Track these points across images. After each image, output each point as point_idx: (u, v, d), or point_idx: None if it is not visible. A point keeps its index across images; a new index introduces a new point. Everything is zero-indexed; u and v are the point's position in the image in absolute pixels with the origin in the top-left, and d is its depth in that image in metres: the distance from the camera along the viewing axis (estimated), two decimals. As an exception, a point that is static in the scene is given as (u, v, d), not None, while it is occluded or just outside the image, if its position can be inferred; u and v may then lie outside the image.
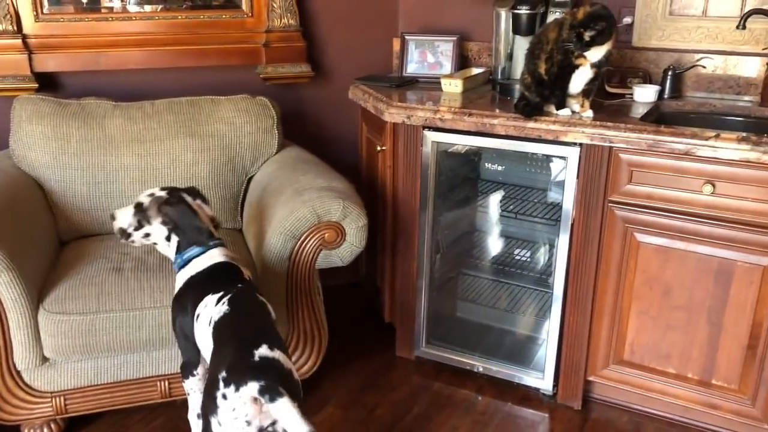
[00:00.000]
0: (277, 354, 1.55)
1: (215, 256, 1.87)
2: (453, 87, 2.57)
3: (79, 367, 2.10)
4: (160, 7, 2.67)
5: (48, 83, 2.58)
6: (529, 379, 2.47)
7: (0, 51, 2.47)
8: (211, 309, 1.72)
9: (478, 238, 2.92)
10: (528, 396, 2.47)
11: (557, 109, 2.20)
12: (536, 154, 2.37)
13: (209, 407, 1.49)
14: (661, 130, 2.04)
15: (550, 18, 2.43)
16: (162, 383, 2.18)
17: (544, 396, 2.46)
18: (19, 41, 2.49)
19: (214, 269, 1.85)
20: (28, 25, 2.51)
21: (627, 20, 2.55)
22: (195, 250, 1.88)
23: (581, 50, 2.04)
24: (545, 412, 2.41)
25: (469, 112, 2.28)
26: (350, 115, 2.97)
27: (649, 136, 2.04)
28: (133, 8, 2.65)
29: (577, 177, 2.19)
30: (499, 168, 2.79)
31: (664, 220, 2.10)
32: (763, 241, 1.99)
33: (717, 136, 1.96)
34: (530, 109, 2.21)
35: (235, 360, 1.52)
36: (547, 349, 2.41)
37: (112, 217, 1.95)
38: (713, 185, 2.00)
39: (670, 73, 2.46)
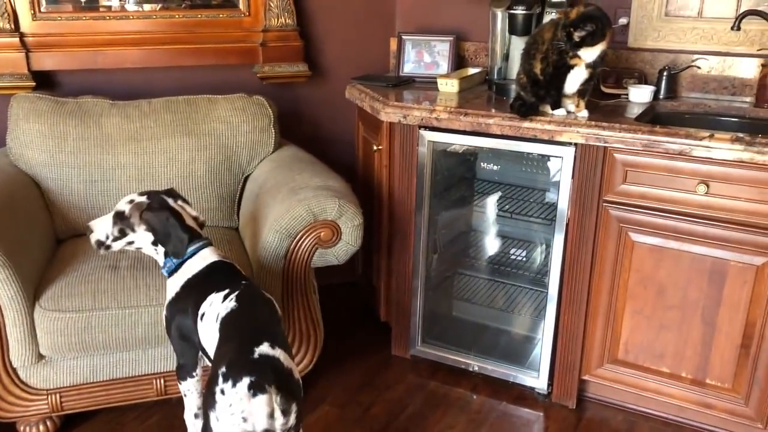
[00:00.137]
0: (277, 352, 1.56)
1: (208, 256, 1.87)
2: (449, 87, 2.57)
3: (75, 364, 2.10)
4: (159, 6, 2.68)
5: (45, 82, 2.59)
6: (524, 378, 2.48)
7: (-3, 49, 2.48)
8: (217, 306, 1.73)
9: (474, 238, 2.93)
10: (523, 395, 2.48)
11: (553, 109, 2.21)
12: (532, 154, 2.38)
13: (209, 402, 1.50)
14: (656, 130, 2.05)
15: (546, 18, 2.44)
16: (157, 381, 2.19)
17: (539, 395, 2.47)
18: (16, 40, 2.49)
19: (212, 269, 1.86)
20: (26, 23, 2.52)
21: (623, 21, 2.56)
22: (187, 251, 1.86)
23: (572, 50, 2.05)
24: (540, 411, 2.41)
25: (465, 111, 2.29)
26: (347, 114, 2.98)
27: (644, 137, 2.05)
28: (131, 7, 2.66)
29: (572, 177, 2.19)
30: (495, 168, 2.80)
31: (658, 219, 2.11)
32: (757, 241, 2.00)
33: (711, 137, 1.97)
34: (526, 109, 2.22)
35: (235, 356, 1.53)
36: (542, 349, 2.41)
37: (89, 230, 1.91)
38: (707, 185, 2.01)
39: (665, 73, 2.47)
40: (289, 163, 2.50)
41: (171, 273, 1.88)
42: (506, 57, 2.63)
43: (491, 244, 2.90)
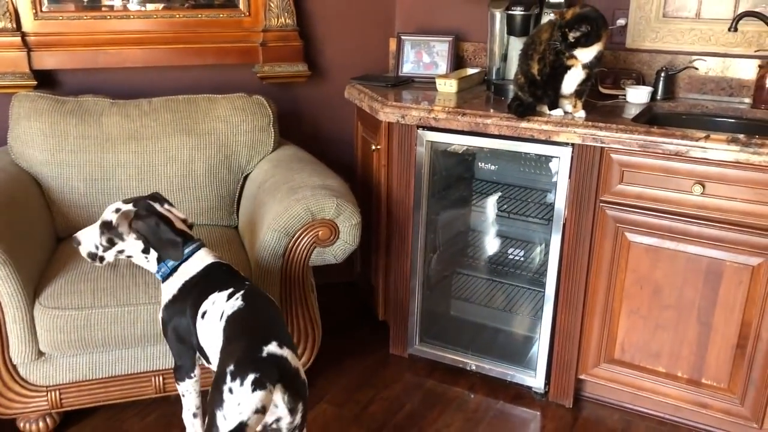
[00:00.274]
0: (285, 352, 1.57)
1: (204, 257, 1.87)
2: (448, 87, 2.59)
3: (75, 361, 2.12)
4: (161, 5, 2.70)
5: (47, 81, 2.60)
6: (521, 377, 2.49)
7: (-1, 48, 2.49)
8: (221, 305, 1.73)
9: (473, 238, 2.94)
10: (520, 394, 2.49)
11: (550, 110, 2.22)
12: (530, 154, 2.39)
13: (216, 401, 1.50)
14: (652, 130, 2.06)
15: (545, 19, 2.45)
16: (156, 378, 2.20)
17: (535, 394, 2.48)
18: (18, 39, 2.51)
19: (211, 270, 1.86)
20: (28, 22, 2.54)
21: (621, 22, 2.57)
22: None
23: (566, 50, 2.06)
24: (537, 410, 2.42)
25: (463, 111, 2.30)
26: (346, 114, 3.00)
27: (640, 137, 2.06)
28: (133, 6, 2.68)
29: (569, 177, 2.21)
30: (493, 168, 2.81)
31: (654, 220, 2.12)
32: (752, 242, 2.01)
33: (707, 137, 1.98)
34: (523, 109, 2.23)
35: (243, 355, 1.54)
36: (539, 348, 2.43)
37: (76, 242, 1.89)
38: (703, 186, 2.02)
39: (662, 74, 2.48)
40: (288, 163, 2.51)
41: (166, 277, 1.87)
42: (505, 57, 2.64)
43: (489, 244, 2.91)
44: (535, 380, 2.45)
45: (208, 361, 1.84)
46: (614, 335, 2.29)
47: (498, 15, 2.59)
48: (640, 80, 2.55)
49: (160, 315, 1.90)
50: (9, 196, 2.19)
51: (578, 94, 2.20)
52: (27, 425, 2.17)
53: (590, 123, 2.13)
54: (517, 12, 2.46)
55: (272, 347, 1.56)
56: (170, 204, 1.94)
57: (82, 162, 2.40)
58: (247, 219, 2.43)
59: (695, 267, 2.11)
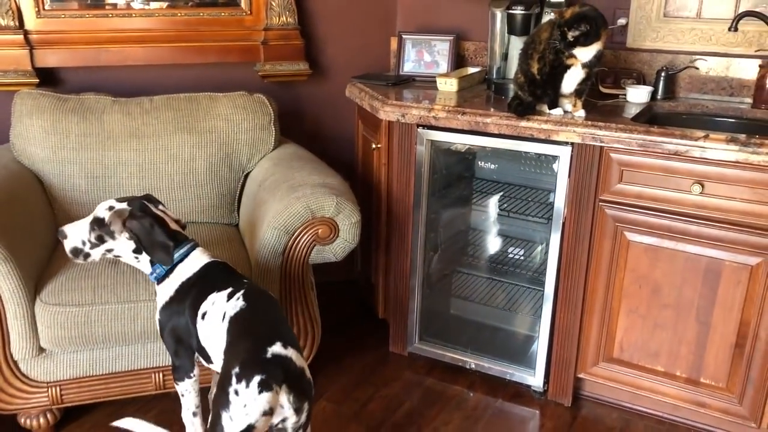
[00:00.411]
0: (290, 352, 1.57)
1: (200, 257, 1.86)
2: (448, 86, 2.59)
3: (75, 358, 2.13)
4: (165, 4, 2.71)
5: (49, 78, 2.62)
6: (521, 375, 2.49)
7: (2, 46, 2.50)
8: (222, 305, 1.73)
9: (473, 236, 2.95)
10: (519, 392, 2.50)
11: (550, 109, 2.23)
12: (530, 153, 2.40)
13: (222, 402, 1.50)
14: (651, 130, 2.06)
15: (545, 18, 2.45)
16: (156, 375, 2.21)
17: (534, 393, 2.48)
18: (20, 37, 2.52)
19: (208, 270, 1.85)
20: (30, 21, 2.55)
21: (621, 21, 2.57)
22: (176, 255, 1.84)
23: (565, 49, 2.07)
24: (536, 409, 2.43)
25: (463, 110, 2.31)
26: (347, 113, 3.00)
27: (640, 136, 2.06)
28: (137, 5, 2.68)
29: (569, 176, 2.21)
30: (493, 167, 2.81)
31: (653, 219, 2.13)
32: (751, 241, 2.01)
33: (706, 137, 1.98)
34: (523, 109, 2.23)
35: (248, 356, 1.54)
36: (538, 347, 2.43)
37: (62, 235, 1.85)
38: (702, 185, 2.03)
39: (663, 74, 2.48)
40: (289, 161, 2.52)
41: (161, 279, 1.86)
42: (505, 57, 2.64)
43: (490, 243, 2.91)
44: (534, 379, 2.46)
45: (208, 361, 1.84)
46: (613, 334, 2.30)
47: (499, 14, 2.59)
48: (641, 80, 2.55)
49: (156, 316, 1.89)
50: (11, 193, 2.20)
51: (578, 93, 2.20)
52: (28, 421, 2.18)
53: (590, 122, 2.14)
54: (518, 11, 2.46)
55: (277, 348, 1.56)
56: (163, 206, 1.93)
57: (84, 159, 2.42)
58: (248, 217, 2.44)
59: (694, 266, 2.11)
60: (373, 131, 2.63)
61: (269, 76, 2.85)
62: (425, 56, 2.88)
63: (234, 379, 1.50)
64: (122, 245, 1.84)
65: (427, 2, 2.98)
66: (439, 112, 2.34)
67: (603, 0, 2.47)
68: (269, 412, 1.49)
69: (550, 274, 2.33)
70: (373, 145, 2.60)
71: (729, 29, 2.31)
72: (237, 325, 1.68)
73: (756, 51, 2.40)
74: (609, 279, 2.25)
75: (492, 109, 2.31)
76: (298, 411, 1.54)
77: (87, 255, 1.84)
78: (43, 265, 2.19)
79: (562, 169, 2.22)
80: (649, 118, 2.34)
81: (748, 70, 2.43)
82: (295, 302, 2.26)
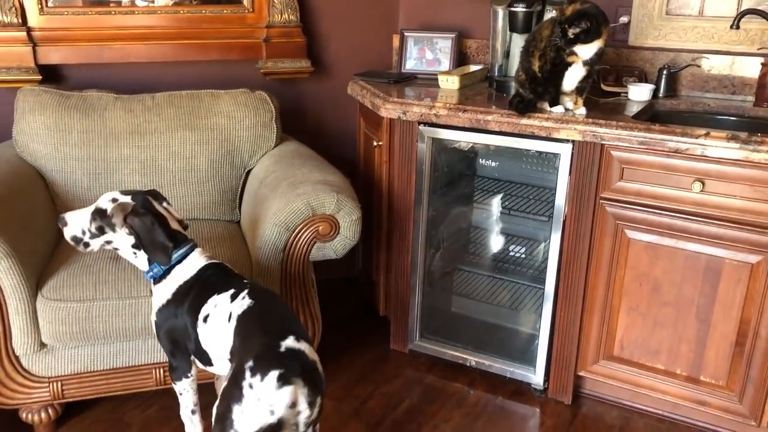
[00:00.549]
0: (303, 346, 1.57)
1: (197, 259, 1.84)
2: (450, 83, 2.59)
3: (76, 353, 2.14)
4: (171, 1, 2.71)
5: (52, 75, 2.63)
6: (521, 373, 2.50)
7: (5, 43, 2.51)
8: (226, 306, 1.72)
9: (474, 234, 2.95)
10: (519, 390, 2.50)
11: (551, 106, 2.23)
12: (531, 150, 2.40)
13: (234, 396, 1.50)
14: (652, 128, 2.06)
15: (547, 16, 2.45)
16: (157, 371, 2.22)
17: (535, 390, 2.48)
18: (23, 34, 2.53)
19: (206, 271, 1.83)
20: (33, 18, 2.56)
21: (624, 19, 2.57)
22: (174, 256, 1.82)
23: (566, 46, 2.07)
24: (536, 407, 2.43)
25: (464, 108, 2.31)
26: (349, 110, 3.01)
27: (640, 134, 2.06)
28: (141, 2, 2.69)
29: (570, 173, 2.21)
30: (495, 165, 2.81)
31: (653, 217, 2.12)
32: (751, 239, 2.01)
33: (707, 135, 1.98)
34: (524, 106, 2.23)
35: (262, 350, 1.54)
36: (538, 344, 2.43)
37: (62, 223, 1.84)
38: (702, 183, 2.02)
39: (665, 72, 2.48)
40: (290, 158, 2.53)
41: (158, 279, 1.84)
42: (507, 54, 2.64)
43: (491, 241, 2.91)
44: (535, 376, 2.46)
45: (207, 364, 1.83)
46: (613, 332, 2.30)
47: (500, 12, 2.59)
48: (643, 78, 2.55)
49: (152, 318, 1.88)
50: (13, 189, 2.21)
51: (579, 90, 2.20)
52: (29, 416, 2.19)
53: (590, 120, 2.14)
54: (520, 9, 2.46)
55: (290, 341, 1.56)
56: (168, 203, 1.91)
57: (86, 156, 2.43)
58: (249, 214, 2.45)
59: (694, 264, 2.11)
60: (375, 129, 2.64)
61: (271, 73, 2.85)
62: (427, 54, 2.88)
63: (248, 373, 1.49)
64: (121, 239, 1.82)
65: (429, 0, 2.98)
66: (440, 109, 2.34)
67: (605, -2, 2.47)
68: (293, 405, 1.49)
69: (551, 271, 2.33)
70: (375, 143, 2.61)
71: (731, 27, 2.30)
72: (246, 322, 1.67)
73: (758, 49, 2.39)
74: (609, 277, 2.25)
75: (493, 107, 2.31)
76: (311, 405, 1.53)
77: (86, 244, 1.83)
78: (45, 261, 2.20)
79: (562, 166, 2.22)
80: (650, 116, 2.34)
81: (750, 68, 2.42)
82: (296, 299, 2.26)
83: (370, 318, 2.88)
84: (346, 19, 2.98)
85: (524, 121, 2.22)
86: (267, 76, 2.86)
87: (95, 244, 1.83)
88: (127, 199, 1.82)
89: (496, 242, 2.90)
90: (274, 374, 1.47)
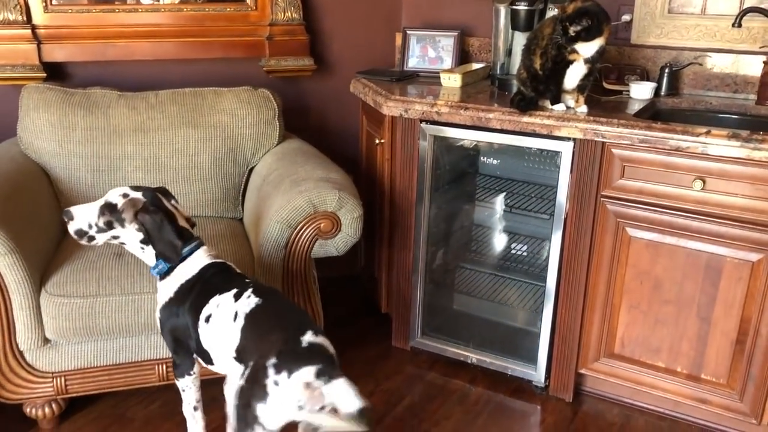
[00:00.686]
0: (321, 340, 1.58)
1: (202, 258, 1.84)
2: (452, 81, 2.60)
3: (80, 348, 2.15)
4: (177, -1, 2.74)
5: (56, 73, 2.64)
6: (522, 371, 2.50)
7: (10, 41, 2.53)
8: (230, 305, 1.72)
9: (476, 232, 2.95)
10: (520, 387, 2.51)
11: (552, 104, 2.23)
12: (532, 148, 2.40)
13: (256, 395, 1.50)
14: (653, 126, 2.06)
15: (549, 14, 2.45)
16: (160, 367, 2.23)
17: (536, 388, 2.49)
18: (28, 32, 2.54)
19: (208, 270, 1.83)
20: (38, 15, 2.57)
21: (626, 18, 2.57)
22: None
23: (567, 44, 2.07)
24: (537, 404, 2.44)
25: (465, 106, 2.32)
26: (352, 108, 3.01)
27: (641, 132, 2.06)
28: (145, 0, 2.70)
29: (571, 171, 2.21)
30: (497, 162, 2.82)
31: (654, 215, 2.13)
32: (752, 237, 2.01)
33: (708, 133, 1.98)
34: (525, 104, 2.23)
35: (285, 346, 1.54)
36: (539, 342, 2.44)
37: (68, 216, 1.82)
38: (703, 181, 2.03)
39: (666, 70, 2.48)
40: (293, 156, 2.54)
41: (163, 275, 1.85)
42: (509, 52, 2.64)
43: (493, 239, 2.92)
44: (536, 374, 2.47)
45: (209, 363, 1.83)
46: (614, 330, 2.30)
47: (503, 10, 2.59)
48: (645, 76, 2.55)
49: (157, 314, 1.89)
50: (17, 185, 2.23)
51: (580, 88, 2.20)
52: (33, 411, 2.21)
53: (592, 118, 2.14)
54: (521, 7, 2.46)
55: (310, 337, 1.57)
56: (176, 200, 1.91)
57: (90, 153, 2.44)
58: (252, 211, 2.46)
59: (695, 262, 2.11)
60: (377, 126, 2.64)
61: (274, 71, 2.86)
62: (430, 52, 2.89)
63: (272, 371, 1.49)
64: (130, 235, 1.81)
65: (432, -2, 2.99)
66: (441, 107, 2.35)
67: (607, -4, 2.48)
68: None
69: (552, 269, 2.33)
70: (377, 141, 2.62)
71: (733, 25, 2.30)
72: (258, 319, 1.66)
73: (761, 47, 2.39)
74: (610, 274, 2.25)
75: (495, 105, 2.32)
76: None
77: (91, 238, 1.82)
78: (48, 257, 2.21)
79: (564, 164, 2.22)
80: (652, 114, 2.34)
81: (752, 67, 2.42)
82: (298, 296, 2.27)
83: (371, 315, 2.89)
84: (348, 17, 2.99)
85: (525, 119, 2.22)
86: (270, 73, 2.87)
87: (101, 239, 1.82)
88: (138, 195, 1.81)
89: (497, 240, 2.90)
90: (309, 370, 1.48)
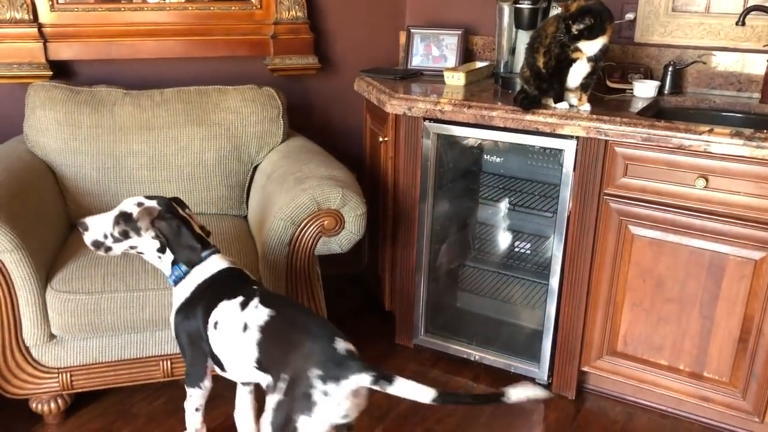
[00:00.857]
0: (350, 346, 1.59)
1: (217, 262, 1.84)
2: (455, 80, 2.61)
3: (85, 344, 2.17)
4: (183, -2, 2.75)
5: (62, 71, 2.66)
6: (525, 368, 2.51)
7: (17, 39, 2.54)
8: (237, 315, 1.71)
9: (480, 230, 2.96)
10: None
11: (555, 103, 2.24)
12: (535, 147, 2.41)
13: (300, 407, 1.51)
14: (656, 124, 2.06)
15: (552, 13, 2.46)
16: (164, 363, 2.25)
17: (538, 385, 2.49)
18: (35, 30, 2.56)
19: (221, 275, 1.83)
20: (44, 14, 2.59)
21: (629, 16, 2.57)
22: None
23: (570, 42, 2.07)
24: (540, 402, 2.44)
25: (469, 104, 2.32)
26: (356, 106, 3.03)
27: (644, 130, 2.06)
28: (152, -1, 2.73)
29: (574, 169, 2.22)
30: (500, 160, 2.82)
31: (657, 213, 2.13)
32: (755, 236, 2.01)
33: (710, 131, 1.98)
34: (528, 102, 2.24)
35: (324, 357, 1.54)
36: (542, 340, 2.44)
37: (83, 227, 1.82)
38: (706, 179, 2.03)
39: (670, 69, 2.48)
40: (297, 154, 2.55)
41: (178, 281, 1.85)
42: (513, 51, 2.65)
43: (496, 237, 2.93)
44: (539, 372, 2.47)
45: (222, 369, 1.83)
46: (617, 328, 2.30)
47: (506, 8, 2.60)
48: (648, 74, 2.55)
49: (172, 319, 1.88)
50: (24, 183, 2.25)
51: (583, 87, 2.21)
52: (39, 406, 2.23)
53: (595, 116, 2.14)
54: (525, 5, 2.47)
55: (342, 344, 1.57)
56: (189, 210, 1.92)
57: (95, 151, 2.46)
58: (256, 209, 2.47)
59: (698, 260, 2.12)
60: (381, 125, 2.65)
61: (279, 69, 2.88)
62: (433, 50, 2.90)
63: (317, 382, 1.50)
64: (147, 243, 1.82)
65: (436, -4, 3.00)
66: (445, 105, 2.35)
67: (611, -6, 2.48)
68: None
69: (555, 267, 2.34)
70: (381, 139, 2.63)
71: (736, 24, 2.30)
72: (277, 332, 1.66)
73: (764, 46, 2.39)
74: (613, 272, 2.25)
75: (498, 103, 2.32)
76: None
77: (108, 248, 1.82)
78: (54, 254, 2.23)
79: (567, 162, 2.23)
80: (655, 112, 2.34)
81: (756, 65, 2.42)
82: (301, 293, 2.28)
83: (375, 313, 2.90)
84: (353, 15, 3.00)
85: (529, 117, 2.23)
86: (274, 72, 2.88)
87: (118, 249, 1.82)
88: (153, 203, 1.82)
89: (501, 238, 2.91)
90: (364, 378, 1.50)
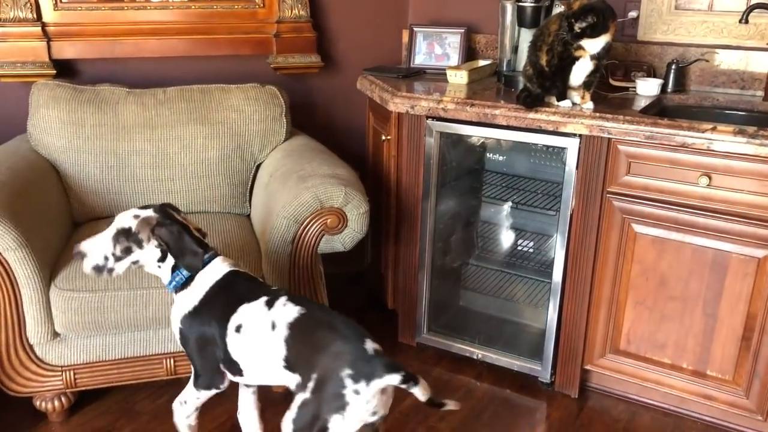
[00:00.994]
0: (378, 346, 1.60)
1: (221, 265, 1.81)
2: (458, 78, 2.61)
3: (89, 342, 2.18)
4: (186, -4, 2.76)
5: (65, 70, 2.66)
6: (528, 366, 2.51)
7: (20, 38, 2.55)
8: (264, 314, 1.69)
9: (482, 229, 2.96)
10: (526, 384, 2.51)
11: (558, 101, 2.24)
12: (539, 145, 2.41)
13: (331, 407, 1.52)
14: (659, 122, 2.06)
15: (555, 11, 2.46)
16: (168, 361, 2.25)
17: (541, 384, 2.49)
18: (38, 29, 2.57)
19: (230, 278, 1.80)
20: (48, 13, 2.60)
21: (632, 14, 2.57)
22: None
23: (573, 40, 2.07)
24: (543, 400, 2.44)
25: (471, 102, 2.32)
26: (358, 105, 3.03)
27: (647, 128, 2.06)
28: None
29: (577, 168, 2.22)
30: (503, 159, 2.82)
31: (660, 211, 2.13)
32: (758, 234, 2.01)
33: (713, 129, 1.98)
34: (531, 100, 2.24)
35: (354, 356, 1.55)
36: (545, 338, 2.44)
37: (80, 255, 1.75)
38: (709, 177, 2.02)
39: (673, 67, 2.48)
40: (300, 152, 2.55)
41: (180, 287, 1.81)
42: (515, 49, 2.65)
43: (499, 235, 2.93)
44: (542, 370, 2.47)
45: (237, 374, 1.80)
46: (620, 326, 2.30)
47: (509, 7, 2.60)
48: (651, 73, 2.55)
49: (177, 326, 1.82)
50: (27, 181, 2.25)
51: (586, 85, 2.21)
52: (43, 404, 2.23)
53: (598, 114, 2.14)
54: (528, 3, 2.47)
55: (370, 344, 1.58)
56: (184, 213, 1.89)
57: (99, 149, 2.46)
58: (259, 207, 2.48)
59: (701, 258, 2.11)
60: (384, 123, 2.65)
61: (281, 68, 2.88)
62: (436, 49, 2.90)
63: (349, 381, 1.51)
64: (149, 255, 1.78)
65: (439, -5, 3.00)
66: (447, 103, 2.35)
67: (614, -8, 2.48)
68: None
69: (558, 266, 2.34)
70: (383, 137, 2.63)
71: (740, 22, 2.30)
72: (306, 330, 1.65)
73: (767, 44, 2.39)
74: (616, 271, 2.25)
75: (501, 101, 2.32)
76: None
77: (111, 270, 1.76)
78: (58, 252, 2.24)
79: (569, 161, 2.22)
80: (658, 110, 2.34)
81: (759, 63, 2.42)
82: (304, 291, 2.28)
83: (378, 311, 2.90)
84: (355, 14, 3.00)
85: (531, 115, 2.23)
86: (277, 71, 2.89)
87: (121, 268, 1.77)
88: (149, 212, 1.78)
89: (504, 236, 2.91)
90: (394, 378, 1.51)
